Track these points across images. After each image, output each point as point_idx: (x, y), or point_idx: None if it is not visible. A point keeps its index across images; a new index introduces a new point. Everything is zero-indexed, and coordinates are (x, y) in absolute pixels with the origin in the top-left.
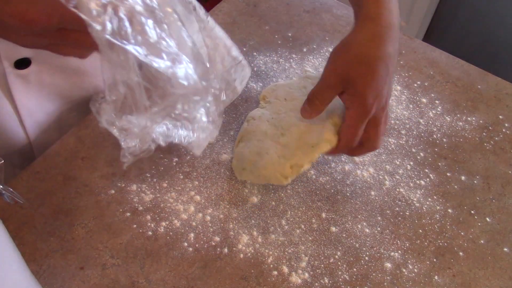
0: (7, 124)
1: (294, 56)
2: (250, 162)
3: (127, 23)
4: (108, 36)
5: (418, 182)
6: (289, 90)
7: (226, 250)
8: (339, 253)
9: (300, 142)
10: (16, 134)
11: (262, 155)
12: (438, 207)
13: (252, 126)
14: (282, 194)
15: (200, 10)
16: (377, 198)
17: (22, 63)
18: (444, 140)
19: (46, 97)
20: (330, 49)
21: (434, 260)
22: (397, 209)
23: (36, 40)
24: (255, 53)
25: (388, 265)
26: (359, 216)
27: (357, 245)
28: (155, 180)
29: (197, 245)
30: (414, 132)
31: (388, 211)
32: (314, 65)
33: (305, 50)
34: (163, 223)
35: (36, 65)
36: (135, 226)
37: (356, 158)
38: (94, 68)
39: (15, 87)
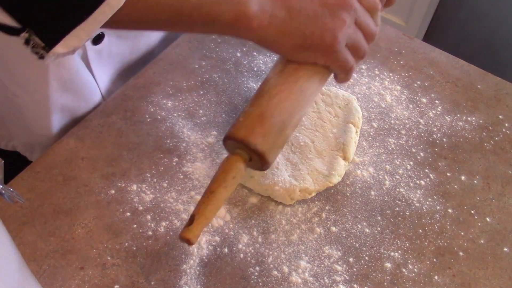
0: (86, 90)
1: None
2: (260, 172)
3: None
4: None
5: (418, 182)
6: None
7: (226, 250)
8: (339, 253)
9: (311, 168)
10: (95, 97)
11: (272, 168)
12: (438, 207)
13: None
14: None
15: None
16: (377, 198)
17: (96, 39)
18: (444, 140)
19: (113, 67)
20: None
21: (434, 260)
22: (397, 209)
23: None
24: (255, 53)
25: (388, 265)
26: (359, 216)
27: (357, 245)
28: (155, 180)
29: (197, 245)
30: (414, 132)
31: (388, 211)
32: None
33: None
34: (163, 223)
35: (108, 38)
36: (135, 226)
37: (356, 158)
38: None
39: (93, 61)
